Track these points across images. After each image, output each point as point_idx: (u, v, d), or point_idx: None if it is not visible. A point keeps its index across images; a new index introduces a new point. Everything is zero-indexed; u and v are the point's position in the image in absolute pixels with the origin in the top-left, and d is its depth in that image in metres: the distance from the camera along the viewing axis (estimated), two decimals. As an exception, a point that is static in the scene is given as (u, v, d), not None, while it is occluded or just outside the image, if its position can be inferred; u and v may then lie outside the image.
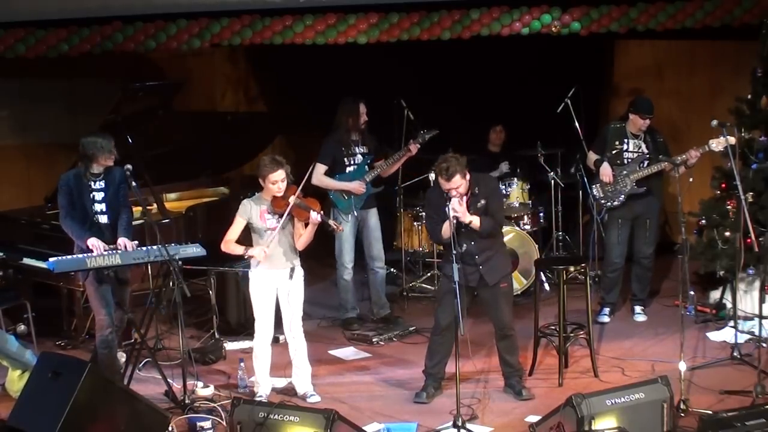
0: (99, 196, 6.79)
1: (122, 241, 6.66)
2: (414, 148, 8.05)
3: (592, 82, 10.10)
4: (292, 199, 6.42)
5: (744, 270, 7.64)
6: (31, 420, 5.58)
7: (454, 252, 6.20)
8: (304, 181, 6.63)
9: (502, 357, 6.75)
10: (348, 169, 8.11)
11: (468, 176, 6.37)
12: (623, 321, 8.21)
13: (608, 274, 8.21)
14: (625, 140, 7.99)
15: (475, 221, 6.40)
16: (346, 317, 8.30)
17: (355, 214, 8.13)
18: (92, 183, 6.77)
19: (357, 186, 8.06)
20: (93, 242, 6.59)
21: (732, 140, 7.10)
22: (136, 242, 6.76)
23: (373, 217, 8.27)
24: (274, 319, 6.67)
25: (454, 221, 6.26)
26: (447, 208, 6.26)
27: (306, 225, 6.55)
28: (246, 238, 6.66)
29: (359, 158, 8.15)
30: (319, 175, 7.98)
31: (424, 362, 6.76)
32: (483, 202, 6.49)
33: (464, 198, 6.37)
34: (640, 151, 7.96)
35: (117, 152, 6.76)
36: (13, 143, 9.67)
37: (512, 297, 6.84)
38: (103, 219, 6.80)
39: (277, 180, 6.42)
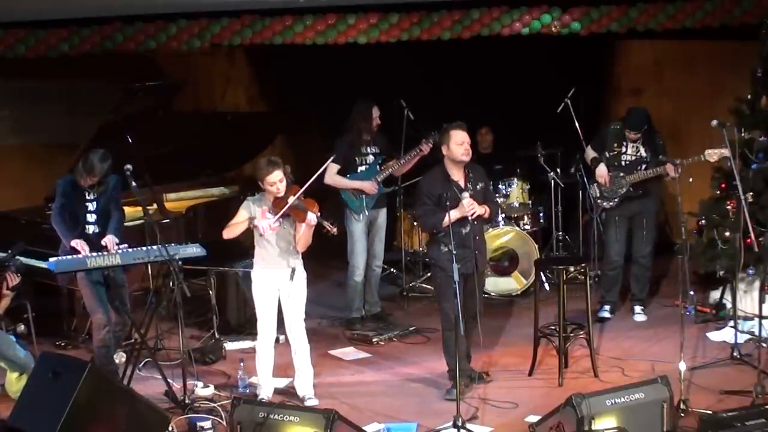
0: (91, 206, 6.80)
1: (108, 238, 6.62)
2: (426, 147, 8.05)
3: (592, 82, 10.09)
4: (291, 200, 6.40)
5: (744, 270, 7.64)
6: (31, 420, 5.57)
7: (454, 252, 6.21)
8: (313, 179, 6.56)
9: (468, 348, 6.73)
10: (360, 169, 8.15)
11: None
12: (623, 321, 8.21)
13: (608, 272, 8.22)
14: (624, 143, 7.98)
15: (487, 210, 6.58)
16: (351, 317, 8.31)
17: (366, 213, 8.16)
18: (86, 193, 6.77)
19: (370, 186, 8.10)
20: (77, 243, 6.58)
21: (726, 152, 7.05)
22: (126, 245, 6.74)
23: (381, 216, 8.33)
24: (277, 320, 6.65)
25: (472, 214, 6.38)
26: (461, 198, 6.40)
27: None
28: (248, 238, 6.65)
29: (370, 158, 8.20)
30: (332, 174, 8.01)
31: (445, 362, 6.72)
32: (482, 185, 6.65)
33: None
34: (638, 154, 7.96)
35: (101, 173, 6.63)
36: (12, 143, 9.67)
37: None
38: (93, 229, 6.80)
39: (275, 181, 6.37)
